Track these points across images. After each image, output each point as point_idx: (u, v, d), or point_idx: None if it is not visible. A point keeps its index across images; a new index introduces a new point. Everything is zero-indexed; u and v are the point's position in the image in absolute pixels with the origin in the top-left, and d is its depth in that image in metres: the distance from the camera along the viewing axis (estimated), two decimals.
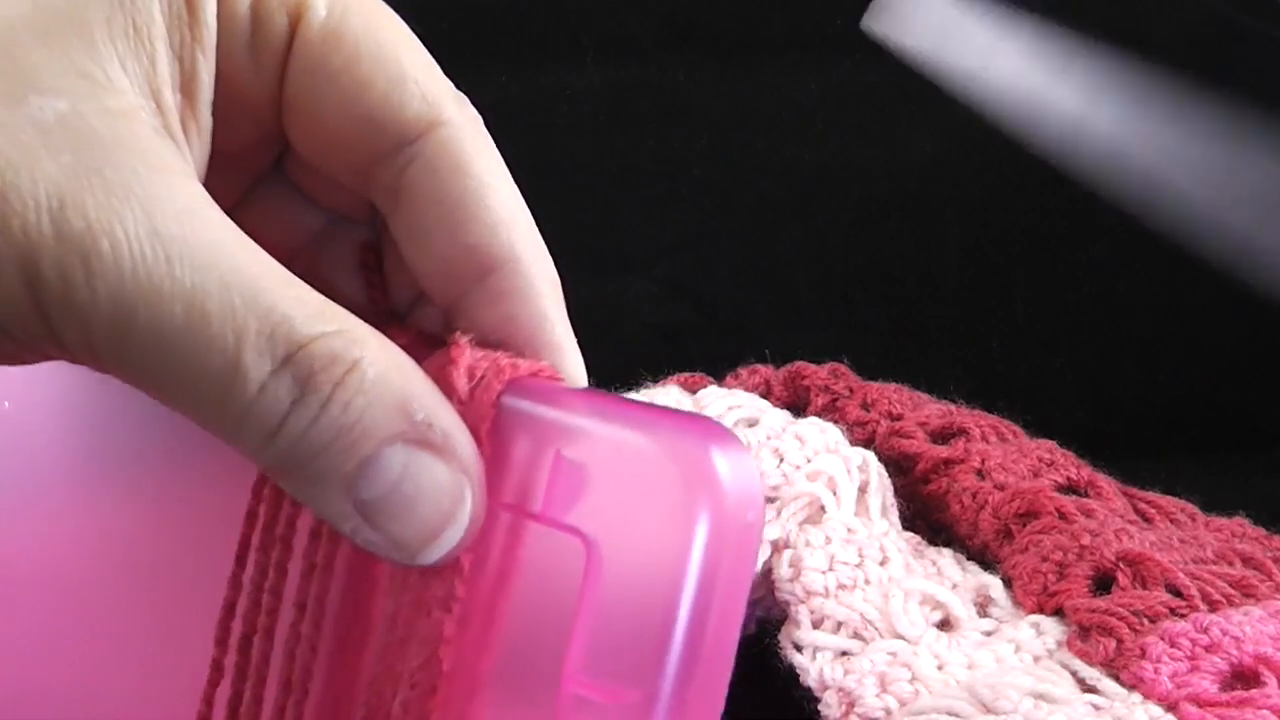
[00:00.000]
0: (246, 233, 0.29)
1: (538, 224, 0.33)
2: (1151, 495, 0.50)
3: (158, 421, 0.32)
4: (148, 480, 0.35)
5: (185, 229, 0.27)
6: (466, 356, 0.29)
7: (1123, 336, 0.78)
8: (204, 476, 0.33)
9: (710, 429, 0.27)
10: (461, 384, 0.28)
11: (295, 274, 0.30)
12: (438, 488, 0.27)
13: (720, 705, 0.27)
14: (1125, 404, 0.78)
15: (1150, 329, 0.78)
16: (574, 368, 0.32)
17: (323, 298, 0.28)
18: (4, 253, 0.26)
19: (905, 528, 0.48)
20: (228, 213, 0.31)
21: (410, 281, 0.33)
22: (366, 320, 0.29)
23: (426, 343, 0.30)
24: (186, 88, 0.29)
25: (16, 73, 0.27)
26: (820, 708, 0.41)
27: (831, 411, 0.53)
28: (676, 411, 0.28)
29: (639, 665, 0.26)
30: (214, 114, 0.30)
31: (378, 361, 0.27)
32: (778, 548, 0.45)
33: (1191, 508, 0.50)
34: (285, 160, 0.34)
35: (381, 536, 0.28)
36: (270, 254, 0.29)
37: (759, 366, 0.57)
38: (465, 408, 0.28)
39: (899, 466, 0.50)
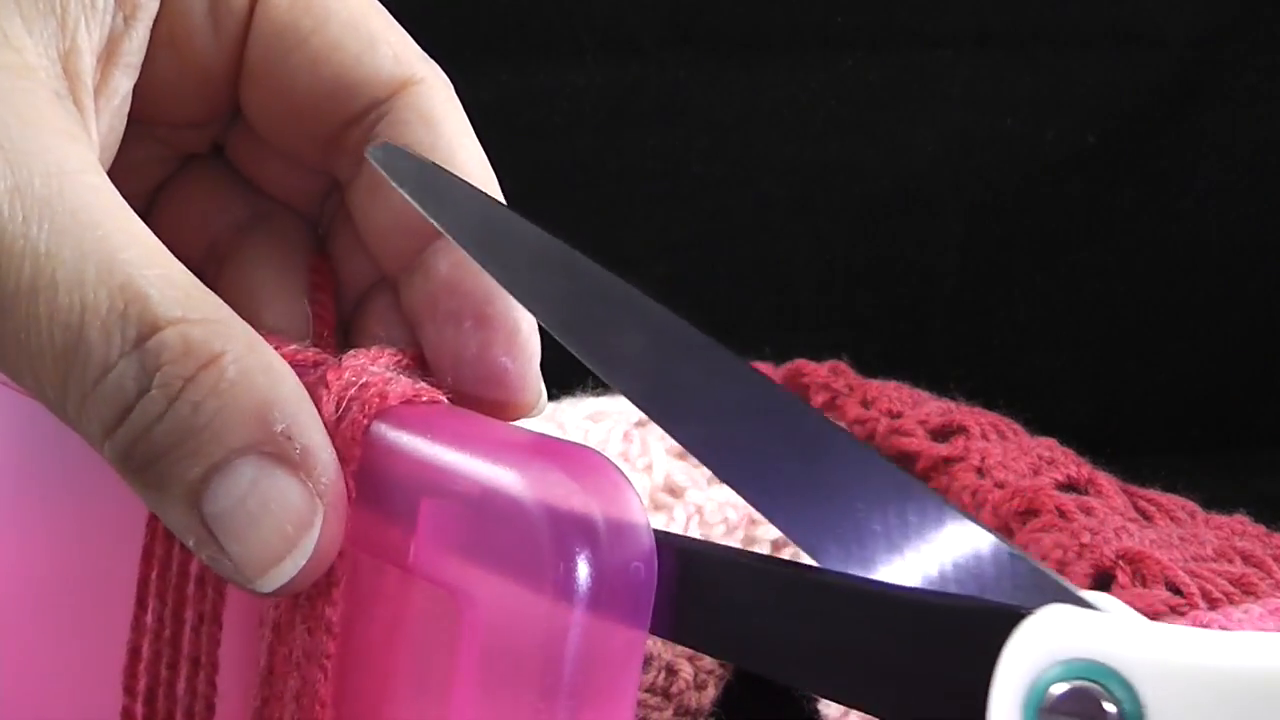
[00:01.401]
0: (169, 212, 0.28)
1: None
2: (1152, 493, 0.50)
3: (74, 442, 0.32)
4: (65, 502, 0.33)
5: (52, 190, 0.25)
6: (341, 381, 0.26)
7: (1123, 335, 0.78)
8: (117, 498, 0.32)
9: (593, 470, 0.24)
10: (329, 412, 0.26)
11: (210, 263, 0.29)
12: (286, 509, 0.25)
13: None
14: (1125, 402, 0.78)
15: (1150, 327, 0.78)
16: (526, 338, 0.29)
17: (196, 282, 0.26)
18: None
19: None
20: (154, 190, 0.30)
21: (362, 268, 0.32)
22: (308, 334, 0.28)
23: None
24: (109, 55, 0.28)
25: None
26: (820, 707, 0.41)
27: (831, 409, 0.53)
28: (560, 447, 0.25)
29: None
30: (157, 84, 0.29)
31: (242, 360, 0.25)
32: (777, 547, 0.45)
33: (1192, 505, 0.49)
34: (230, 138, 0.33)
35: (224, 556, 0.25)
36: (188, 239, 0.28)
37: (759, 365, 0.57)
38: (332, 438, 0.26)
39: (899, 464, 0.50)
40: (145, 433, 0.24)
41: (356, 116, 0.30)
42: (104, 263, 0.24)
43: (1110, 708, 0.22)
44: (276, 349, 0.27)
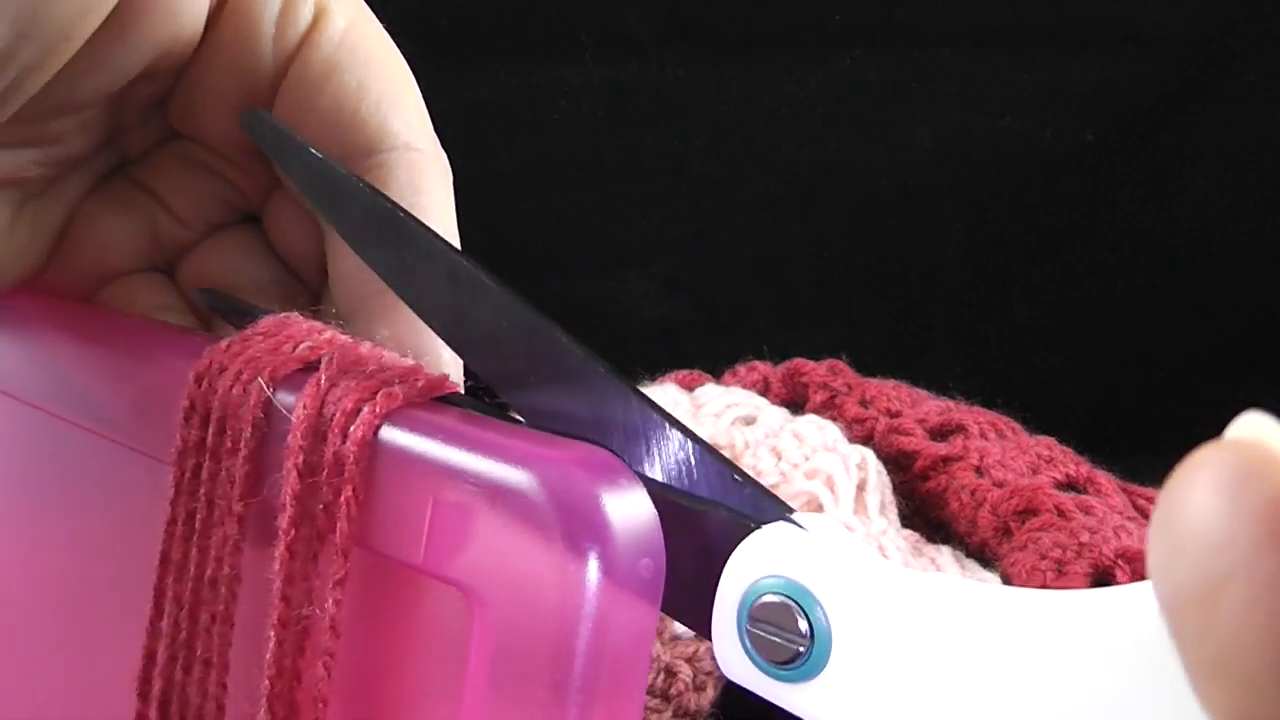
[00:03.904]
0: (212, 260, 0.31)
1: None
2: (1151, 492, 0.50)
3: (84, 447, 0.32)
4: (71, 505, 0.34)
5: None
6: (341, 385, 0.27)
7: (1121, 333, 0.78)
8: (129, 502, 0.32)
9: (602, 467, 0.25)
10: (335, 416, 0.26)
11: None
12: None
13: None
14: (1124, 400, 0.78)
15: (1149, 326, 0.78)
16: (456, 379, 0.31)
17: None
18: None
19: (904, 525, 0.48)
20: (207, 233, 0.33)
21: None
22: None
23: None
24: None
25: None
26: None
27: (830, 409, 0.53)
28: (569, 445, 0.26)
29: None
30: (210, 85, 0.32)
31: None
32: None
33: None
34: (268, 206, 0.35)
35: None
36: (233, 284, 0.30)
37: (757, 363, 0.57)
38: (339, 441, 0.26)
39: (897, 464, 0.50)
40: None
41: (355, 155, 0.32)
42: None
43: (803, 624, 0.24)
44: (306, 331, 0.28)
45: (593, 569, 0.24)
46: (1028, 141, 0.77)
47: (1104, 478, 0.49)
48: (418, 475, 0.26)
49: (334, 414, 0.26)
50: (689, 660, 0.40)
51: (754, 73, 0.76)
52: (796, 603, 0.24)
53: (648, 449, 0.26)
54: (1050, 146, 0.77)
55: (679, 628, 0.41)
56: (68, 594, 0.33)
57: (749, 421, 0.49)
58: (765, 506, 0.25)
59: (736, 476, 0.26)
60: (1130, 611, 0.21)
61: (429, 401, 0.27)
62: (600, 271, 0.76)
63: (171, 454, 0.29)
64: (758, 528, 0.25)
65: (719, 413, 0.50)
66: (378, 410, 0.26)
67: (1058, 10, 0.76)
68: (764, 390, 0.55)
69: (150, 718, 0.29)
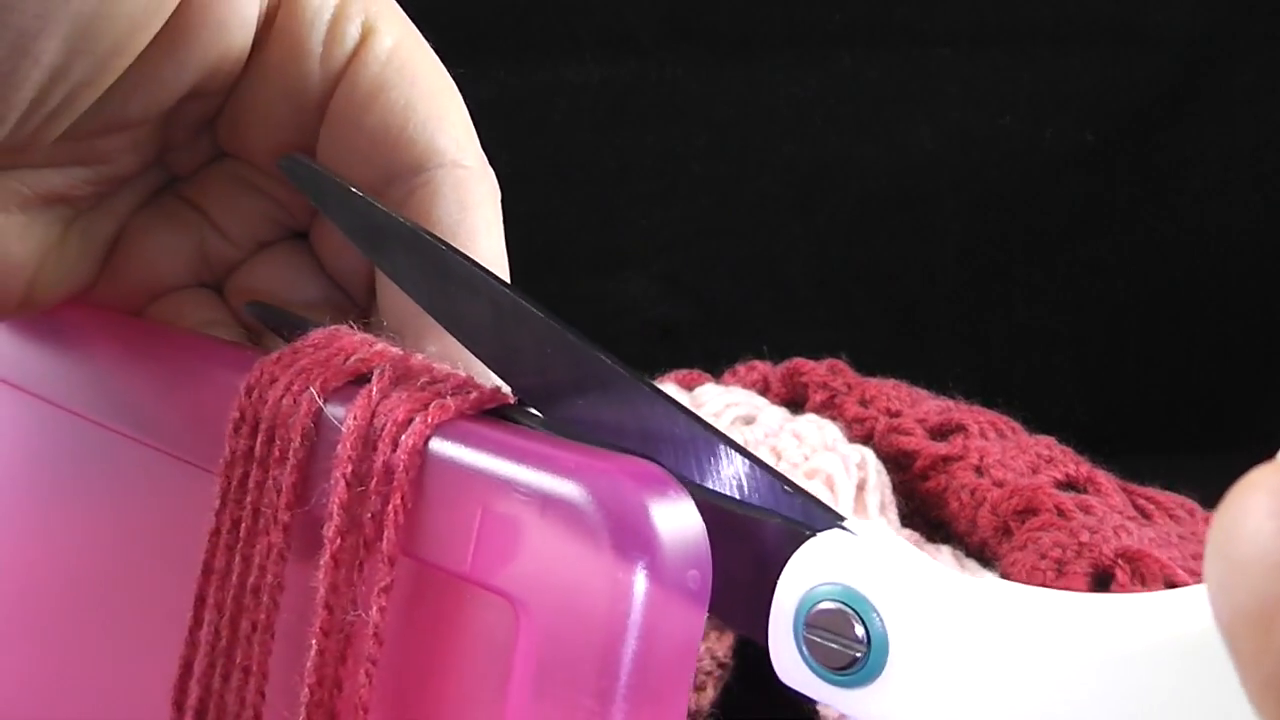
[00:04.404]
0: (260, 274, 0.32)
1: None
2: (1151, 491, 0.50)
3: (130, 458, 0.32)
4: (115, 514, 0.34)
5: None
6: (393, 396, 0.27)
7: (1121, 333, 0.78)
8: (172, 512, 0.32)
9: (650, 479, 0.25)
10: (386, 426, 0.27)
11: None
12: None
13: None
14: (1124, 400, 0.78)
15: (1149, 325, 0.78)
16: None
17: None
18: None
19: (903, 525, 0.48)
20: (256, 249, 0.34)
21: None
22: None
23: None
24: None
25: None
26: (819, 708, 0.41)
27: (829, 408, 0.53)
28: (617, 458, 0.26)
29: None
30: (261, 104, 0.32)
31: None
32: None
33: (1191, 504, 0.49)
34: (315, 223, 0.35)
35: None
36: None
37: (757, 363, 0.57)
38: (389, 451, 0.27)
39: (897, 463, 0.50)
40: None
41: (402, 174, 0.32)
42: None
43: (860, 630, 0.24)
44: (357, 344, 0.28)
45: (640, 579, 0.24)
46: (1028, 141, 0.77)
47: (1104, 477, 0.49)
48: (466, 485, 0.26)
49: (385, 424, 0.27)
50: None
51: (754, 72, 0.76)
52: (853, 609, 0.24)
53: (698, 464, 0.26)
54: (1050, 146, 0.77)
55: None
56: (108, 602, 0.34)
57: (748, 421, 0.49)
58: (817, 515, 0.26)
59: (787, 488, 0.26)
60: (1186, 617, 0.21)
61: (480, 414, 0.27)
62: (600, 271, 0.76)
63: (219, 464, 0.29)
64: (812, 535, 0.25)
65: (718, 412, 0.50)
66: (430, 421, 0.27)
67: (1058, 10, 0.76)
68: (764, 390, 0.55)
69: None
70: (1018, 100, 0.76)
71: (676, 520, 0.25)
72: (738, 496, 0.26)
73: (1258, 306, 0.78)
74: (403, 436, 0.27)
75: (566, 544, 0.24)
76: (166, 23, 0.29)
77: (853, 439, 0.50)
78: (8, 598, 0.35)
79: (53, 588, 0.35)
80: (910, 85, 0.76)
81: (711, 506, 0.25)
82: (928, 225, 0.78)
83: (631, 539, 0.24)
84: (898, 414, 0.52)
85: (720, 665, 0.41)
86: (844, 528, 0.25)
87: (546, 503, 0.25)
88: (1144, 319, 0.78)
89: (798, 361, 0.56)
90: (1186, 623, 0.21)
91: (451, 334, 0.29)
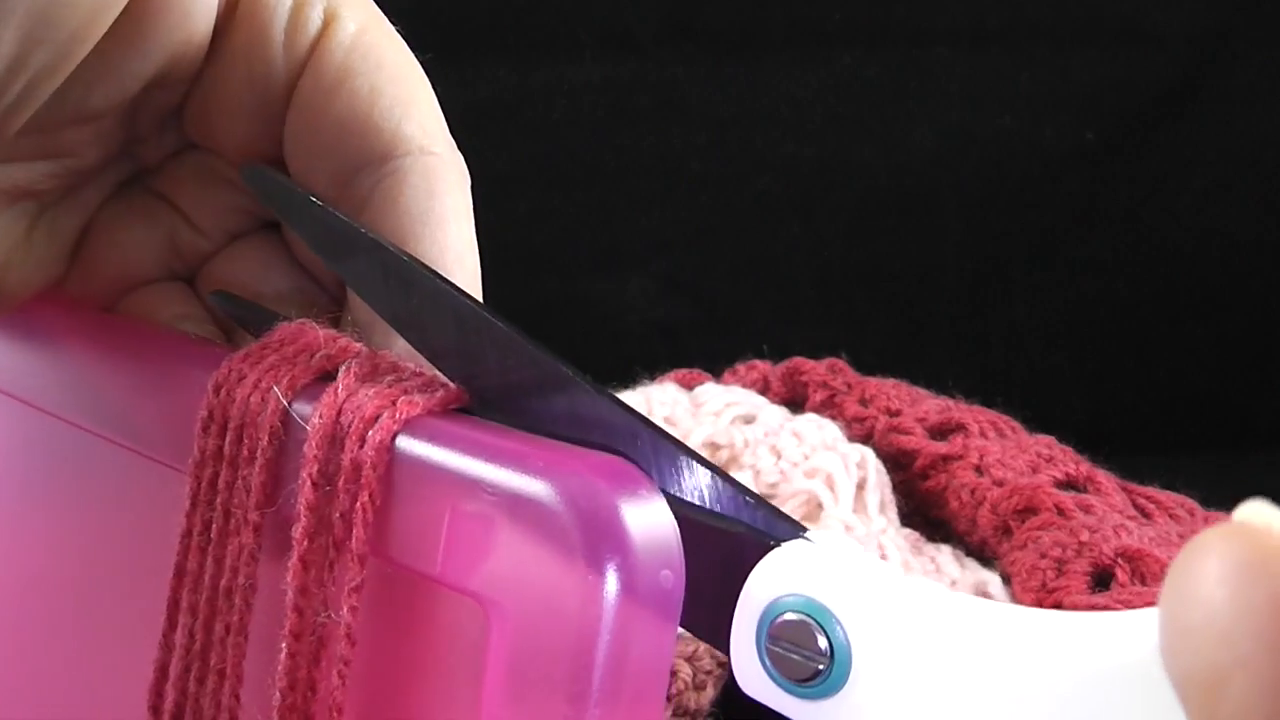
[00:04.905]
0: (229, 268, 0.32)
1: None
2: (1151, 491, 0.50)
3: (101, 457, 0.32)
4: (85, 513, 0.34)
5: None
6: (360, 393, 0.27)
7: (1121, 332, 0.78)
8: (144, 512, 0.32)
9: (622, 476, 0.25)
10: (353, 423, 0.26)
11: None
12: None
13: None
14: (1124, 399, 0.78)
15: (1149, 325, 0.78)
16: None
17: None
18: None
19: (903, 524, 0.48)
20: (227, 242, 0.34)
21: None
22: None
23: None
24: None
25: None
26: None
27: (829, 408, 0.53)
28: (589, 455, 0.26)
29: None
30: (224, 97, 0.32)
31: None
32: None
33: (1191, 503, 0.49)
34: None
35: None
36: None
37: (757, 362, 0.57)
38: (357, 448, 0.26)
39: (897, 463, 0.50)
40: None
41: (370, 162, 0.32)
42: None
43: (823, 642, 0.24)
44: (323, 340, 0.28)
45: (612, 580, 0.23)
46: (1027, 141, 0.77)
47: (1104, 477, 0.49)
48: (435, 484, 0.26)
49: (352, 421, 0.26)
50: (688, 660, 0.40)
51: (754, 72, 0.76)
52: (816, 621, 0.24)
53: (661, 474, 0.26)
54: (1050, 146, 0.77)
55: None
56: (79, 604, 0.33)
57: (748, 420, 0.49)
58: (781, 526, 0.25)
59: (749, 499, 0.26)
60: (1150, 637, 0.21)
61: (448, 412, 0.27)
62: (600, 271, 0.76)
63: (189, 464, 0.29)
64: (777, 545, 0.25)
65: (718, 412, 0.50)
66: (398, 417, 0.26)
67: (1058, 10, 0.76)
68: (763, 389, 0.55)
69: None
70: (1018, 100, 0.76)
71: (648, 519, 0.24)
72: (704, 505, 0.26)
73: (1258, 306, 0.78)
74: (370, 433, 0.26)
75: (536, 544, 0.24)
76: (126, 9, 0.29)
77: (852, 438, 0.50)
78: None
79: (25, 589, 0.35)
80: (910, 85, 0.76)
81: (677, 515, 0.25)
82: (928, 225, 0.78)
83: (602, 539, 0.24)
84: (898, 413, 0.52)
85: (720, 665, 0.41)
86: (807, 539, 0.25)
87: (516, 502, 0.24)
88: (1144, 319, 0.78)
89: (797, 361, 0.56)
90: (1153, 645, 0.20)
91: (414, 346, 0.29)
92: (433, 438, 0.26)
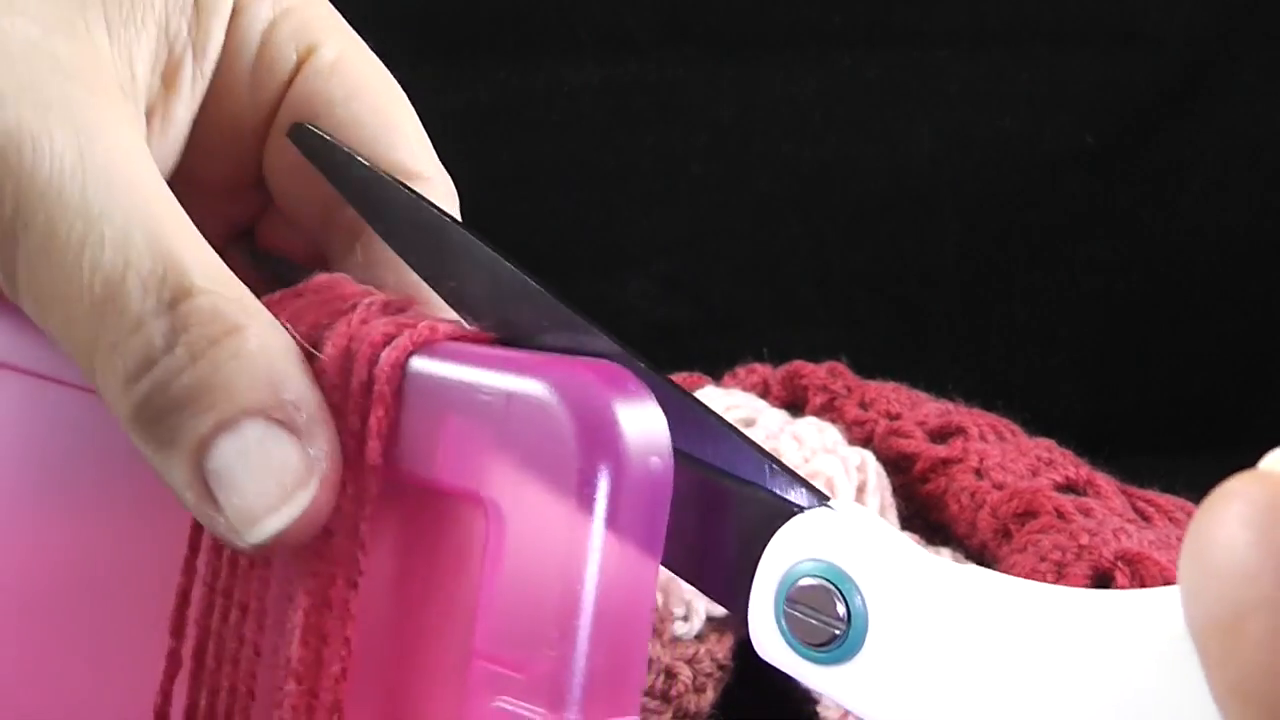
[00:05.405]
0: None
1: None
2: (1150, 494, 0.50)
3: (102, 439, 0.32)
4: (90, 497, 0.34)
5: (110, 161, 0.27)
6: (375, 321, 0.28)
7: (1121, 334, 0.78)
8: (144, 497, 0.32)
9: (612, 376, 0.26)
10: (364, 345, 0.27)
11: None
12: (285, 467, 0.26)
13: (641, 668, 0.26)
14: (1124, 402, 0.78)
15: (1148, 327, 0.78)
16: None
17: (226, 267, 0.28)
18: None
19: (903, 527, 0.48)
20: None
21: None
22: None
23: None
24: (169, 78, 0.30)
25: None
26: (819, 709, 0.41)
27: (829, 411, 0.53)
28: (575, 360, 0.27)
29: (548, 633, 0.24)
30: (193, 137, 0.31)
31: (263, 334, 0.27)
32: None
33: (1190, 506, 0.49)
34: (261, 225, 0.35)
35: (218, 511, 0.27)
36: None
37: (757, 366, 0.57)
38: (363, 371, 0.27)
39: (897, 466, 0.50)
40: (164, 385, 0.26)
41: None
42: (151, 233, 0.27)
43: (841, 607, 0.24)
44: (358, 292, 0.29)
45: (604, 468, 0.24)
46: (1027, 142, 0.77)
47: (1103, 480, 0.49)
48: (439, 393, 0.27)
49: (365, 342, 0.27)
50: (689, 662, 0.40)
51: (753, 73, 0.76)
52: (836, 586, 0.24)
53: (688, 438, 0.27)
54: (1049, 147, 0.77)
55: (679, 629, 0.41)
56: (103, 561, 0.34)
57: (749, 424, 0.49)
58: (804, 494, 0.26)
59: (773, 466, 0.26)
60: (1162, 614, 0.21)
61: (467, 337, 0.28)
62: (599, 272, 0.76)
63: None
64: (799, 512, 0.25)
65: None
66: (414, 339, 0.27)
67: (1057, 11, 0.76)
68: (763, 392, 0.55)
69: (186, 657, 0.29)
70: (1017, 101, 0.76)
71: (637, 409, 0.25)
72: (725, 468, 0.27)
73: (1258, 306, 0.78)
74: (384, 352, 0.27)
75: (530, 437, 0.25)
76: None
77: (852, 441, 0.50)
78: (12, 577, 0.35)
79: (58, 562, 0.35)
80: (910, 86, 0.76)
81: (699, 477, 0.26)
82: (927, 226, 0.78)
83: (593, 427, 0.25)
84: (897, 416, 0.52)
85: (720, 667, 0.41)
86: (830, 506, 0.26)
87: (510, 399, 0.25)
88: (1144, 319, 0.78)
89: (797, 364, 0.56)
90: (1164, 621, 0.21)
91: (451, 306, 0.30)
92: (442, 355, 0.27)
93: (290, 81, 0.32)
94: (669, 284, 0.77)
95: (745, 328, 0.76)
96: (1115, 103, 0.77)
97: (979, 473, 0.48)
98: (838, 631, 0.24)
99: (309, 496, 0.26)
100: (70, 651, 0.34)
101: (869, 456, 0.48)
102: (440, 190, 0.33)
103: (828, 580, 0.25)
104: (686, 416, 0.27)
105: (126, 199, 0.27)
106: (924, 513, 0.50)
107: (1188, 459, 0.60)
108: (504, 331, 0.29)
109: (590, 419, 0.25)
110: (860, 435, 0.52)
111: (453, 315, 0.30)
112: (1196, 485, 0.51)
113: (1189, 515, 0.49)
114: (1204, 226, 0.77)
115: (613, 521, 0.25)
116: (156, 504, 0.31)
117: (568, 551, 0.24)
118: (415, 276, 0.31)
